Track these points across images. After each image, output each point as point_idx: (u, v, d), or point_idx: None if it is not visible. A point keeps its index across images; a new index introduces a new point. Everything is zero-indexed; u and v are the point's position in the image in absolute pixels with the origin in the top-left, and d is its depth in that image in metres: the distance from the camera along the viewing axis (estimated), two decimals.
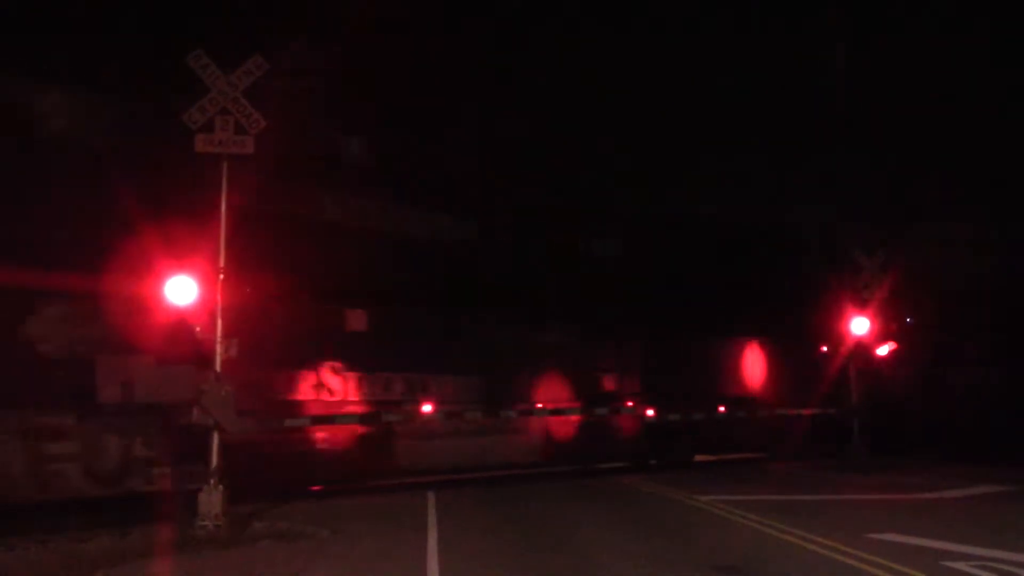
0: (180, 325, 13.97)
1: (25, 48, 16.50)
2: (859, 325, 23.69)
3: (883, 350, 24.02)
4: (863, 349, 24.22)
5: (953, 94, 27.97)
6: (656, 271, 27.82)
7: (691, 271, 28.96)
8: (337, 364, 20.20)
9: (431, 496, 17.08)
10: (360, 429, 20.32)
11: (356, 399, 20.53)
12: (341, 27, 20.81)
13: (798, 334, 28.59)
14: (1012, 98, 27.46)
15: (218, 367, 13.58)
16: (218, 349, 13.67)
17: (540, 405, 24.02)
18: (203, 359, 13.78)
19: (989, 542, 11.37)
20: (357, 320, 20.76)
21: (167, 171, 16.09)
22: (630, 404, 25.53)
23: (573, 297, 25.29)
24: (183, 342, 14.20)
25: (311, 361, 19.77)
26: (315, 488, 19.06)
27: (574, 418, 24.53)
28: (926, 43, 28.13)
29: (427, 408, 21.28)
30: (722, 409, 27.23)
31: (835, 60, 28.65)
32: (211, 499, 13.14)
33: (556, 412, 24.02)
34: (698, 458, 26.54)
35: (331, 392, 20.11)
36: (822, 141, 29.12)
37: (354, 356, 20.52)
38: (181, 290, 13.65)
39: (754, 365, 31.16)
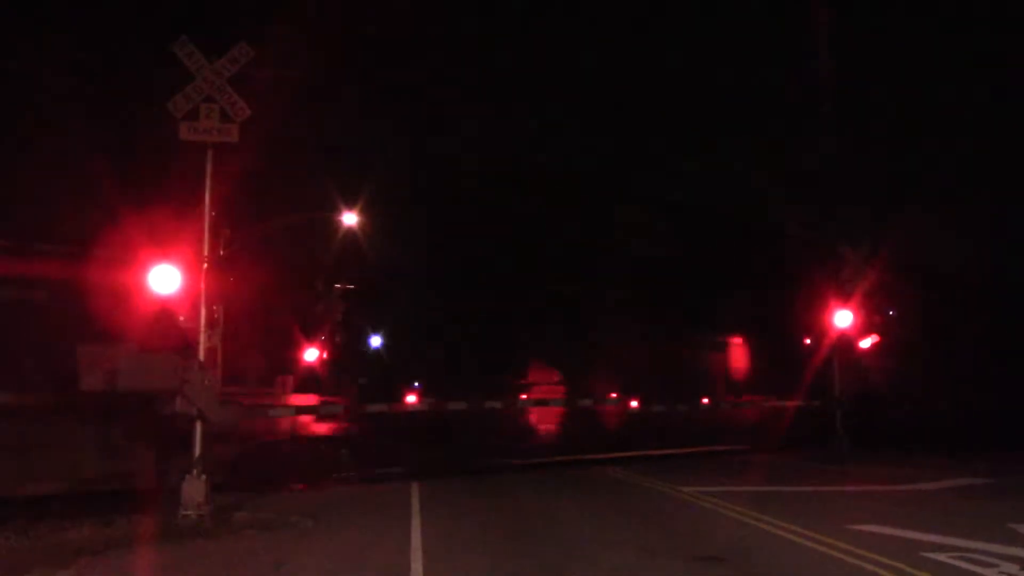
0: (162, 314, 13.90)
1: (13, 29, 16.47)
2: (842, 318, 23.73)
3: (866, 343, 24.09)
4: (846, 342, 24.32)
5: (941, 83, 28.08)
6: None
7: (683, 265, 29.19)
8: None
9: (415, 487, 17.07)
10: None
11: None
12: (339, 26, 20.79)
13: (783, 327, 28.77)
14: (1001, 87, 27.59)
15: (201, 356, 13.51)
16: (201, 338, 13.60)
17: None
18: (186, 348, 13.70)
19: (967, 533, 11.44)
20: None
21: (151, 158, 16.05)
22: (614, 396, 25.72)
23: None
24: (166, 331, 14.13)
25: None
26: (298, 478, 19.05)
27: None
28: (916, 30, 28.24)
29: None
30: (706, 401, 27.42)
31: (821, 50, 28.73)
32: (194, 488, 13.09)
33: (541, 403, 24.12)
34: (684, 449, 26.69)
35: None
36: (809, 132, 29.19)
37: None
38: (165, 279, 13.58)
39: (741, 358, 31.44)
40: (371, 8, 21.19)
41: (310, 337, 26.32)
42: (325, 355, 26.88)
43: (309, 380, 25.55)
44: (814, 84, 28.52)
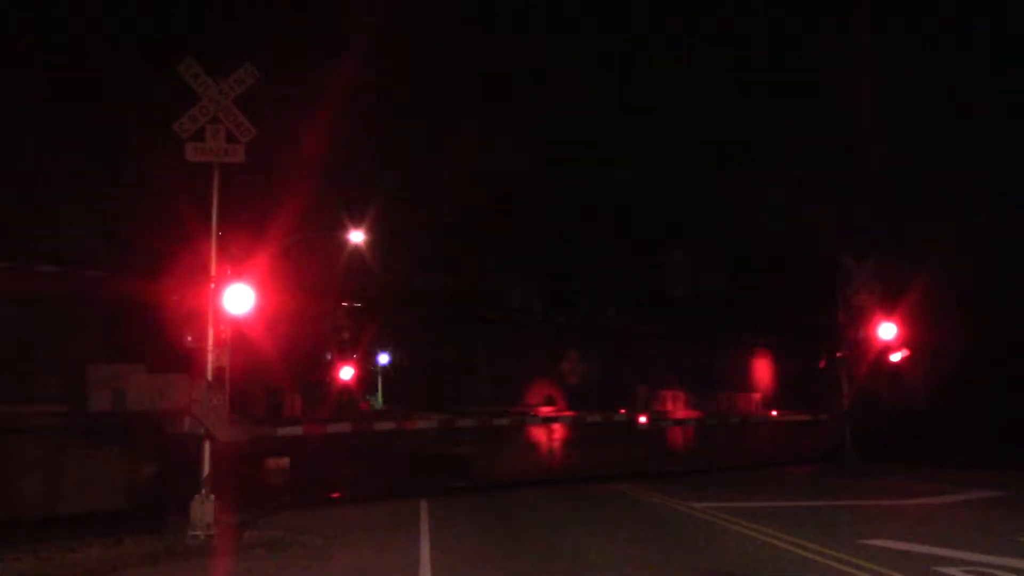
0: (171, 334, 13.93)
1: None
2: (886, 330, 23.58)
3: (896, 356, 23.94)
4: (856, 357, 24.28)
5: (956, 93, 28.08)
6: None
7: (701, 281, 29.19)
8: None
9: (424, 504, 17.02)
10: None
11: None
12: (340, 36, 20.87)
13: (800, 341, 28.76)
14: (1015, 94, 27.54)
15: (209, 376, 13.51)
16: (210, 358, 13.60)
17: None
18: (194, 369, 13.70)
19: (981, 547, 11.39)
20: None
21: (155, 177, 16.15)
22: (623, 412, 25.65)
23: None
24: (175, 351, 14.14)
25: None
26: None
27: None
28: (926, 43, 28.26)
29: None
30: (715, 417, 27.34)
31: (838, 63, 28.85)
32: (203, 508, 13.07)
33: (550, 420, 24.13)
34: (695, 465, 26.61)
35: None
36: (823, 145, 29.27)
37: None
38: (173, 299, 13.64)
39: (757, 372, 31.40)
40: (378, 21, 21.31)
41: (344, 356, 26.17)
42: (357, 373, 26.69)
43: (345, 398, 25.40)
44: (850, 101, 28.63)
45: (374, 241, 20.61)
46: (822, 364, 26.47)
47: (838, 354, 24.95)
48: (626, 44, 28.76)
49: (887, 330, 23.70)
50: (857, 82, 28.35)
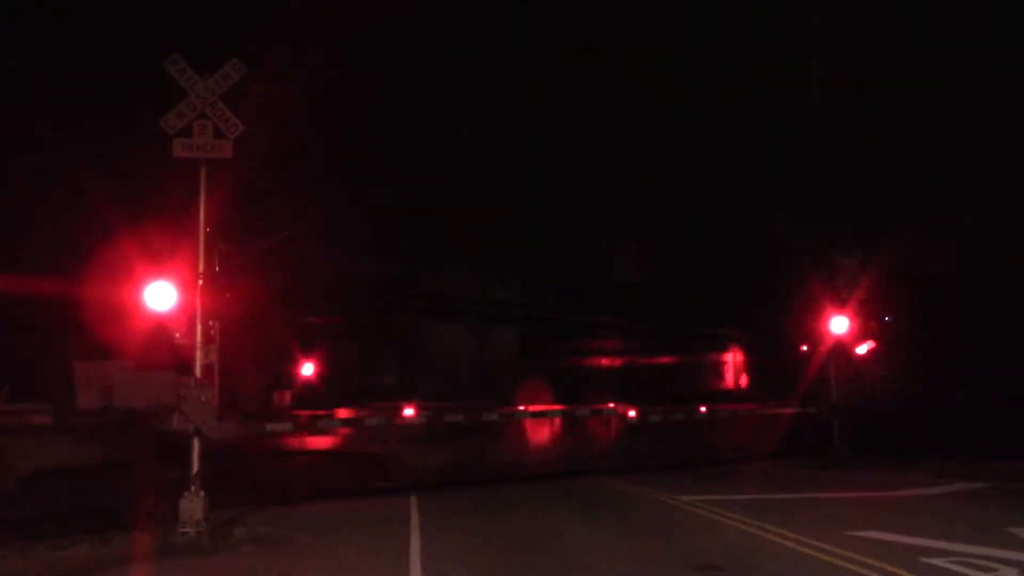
0: (158, 331, 13.87)
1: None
2: (838, 324, 23.75)
3: (862, 349, 24.11)
4: (843, 348, 24.36)
5: (935, 87, 28.21)
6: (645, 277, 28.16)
7: (674, 274, 29.22)
8: None
9: (413, 500, 17.04)
10: None
11: None
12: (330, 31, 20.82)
13: (779, 334, 28.82)
14: (997, 89, 27.68)
15: (198, 372, 13.48)
16: (198, 355, 13.56)
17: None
18: (183, 365, 13.66)
19: (968, 538, 11.46)
20: None
21: (147, 176, 16.09)
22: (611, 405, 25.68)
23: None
24: (163, 348, 14.08)
25: None
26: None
27: None
28: (906, 35, 28.37)
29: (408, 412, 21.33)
30: (703, 409, 27.38)
31: (813, 57, 28.94)
32: (192, 505, 13.04)
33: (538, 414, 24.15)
34: (682, 458, 26.69)
35: None
36: (802, 140, 29.38)
37: None
38: (160, 296, 13.58)
39: (736, 365, 31.44)
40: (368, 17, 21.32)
41: (307, 351, 26.40)
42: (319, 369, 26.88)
43: (307, 394, 25.63)
44: (810, 91, 28.79)
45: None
46: (803, 347, 26.54)
47: (822, 347, 25.04)
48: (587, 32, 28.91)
49: (871, 324, 23.84)
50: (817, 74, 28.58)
